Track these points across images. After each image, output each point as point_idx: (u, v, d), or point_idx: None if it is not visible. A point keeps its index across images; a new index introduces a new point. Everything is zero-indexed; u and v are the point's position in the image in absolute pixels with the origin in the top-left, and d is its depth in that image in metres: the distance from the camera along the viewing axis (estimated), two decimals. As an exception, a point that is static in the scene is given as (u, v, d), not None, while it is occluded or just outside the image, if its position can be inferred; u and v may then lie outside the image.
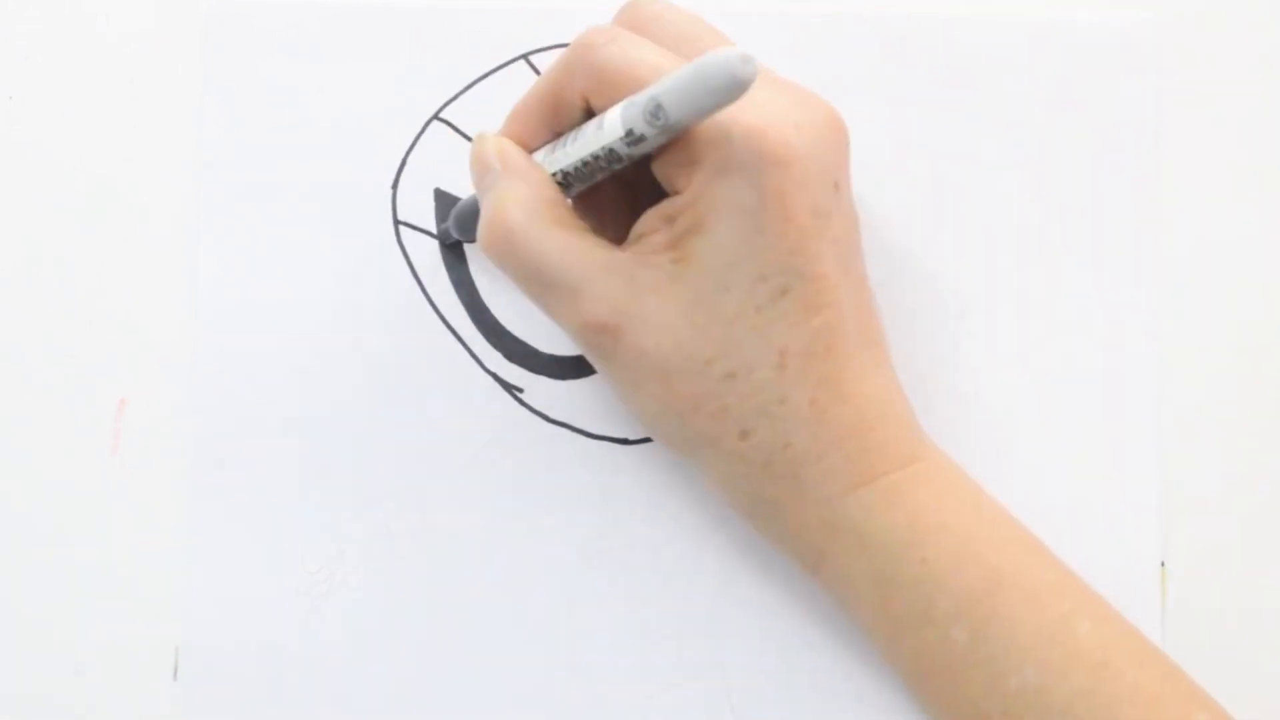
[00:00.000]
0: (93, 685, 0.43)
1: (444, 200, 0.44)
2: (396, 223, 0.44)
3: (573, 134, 0.37)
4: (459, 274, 0.44)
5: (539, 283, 0.37)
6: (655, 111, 0.34)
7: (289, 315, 0.44)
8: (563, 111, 0.38)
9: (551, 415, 0.44)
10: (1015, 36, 0.44)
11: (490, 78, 0.44)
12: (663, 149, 0.36)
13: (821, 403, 0.36)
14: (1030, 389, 0.43)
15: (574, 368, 0.44)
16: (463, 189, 0.44)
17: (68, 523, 0.43)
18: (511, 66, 0.44)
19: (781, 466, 0.37)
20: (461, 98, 0.44)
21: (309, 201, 0.44)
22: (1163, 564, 0.43)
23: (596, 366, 0.39)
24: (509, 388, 0.44)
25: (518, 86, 0.44)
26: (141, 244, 0.44)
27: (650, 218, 0.37)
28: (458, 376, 0.44)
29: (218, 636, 0.43)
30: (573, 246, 0.37)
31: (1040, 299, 0.44)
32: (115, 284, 0.44)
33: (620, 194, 0.40)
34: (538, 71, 0.44)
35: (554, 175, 0.38)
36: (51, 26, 0.45)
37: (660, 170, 0.37)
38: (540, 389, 0.44)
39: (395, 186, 0.44)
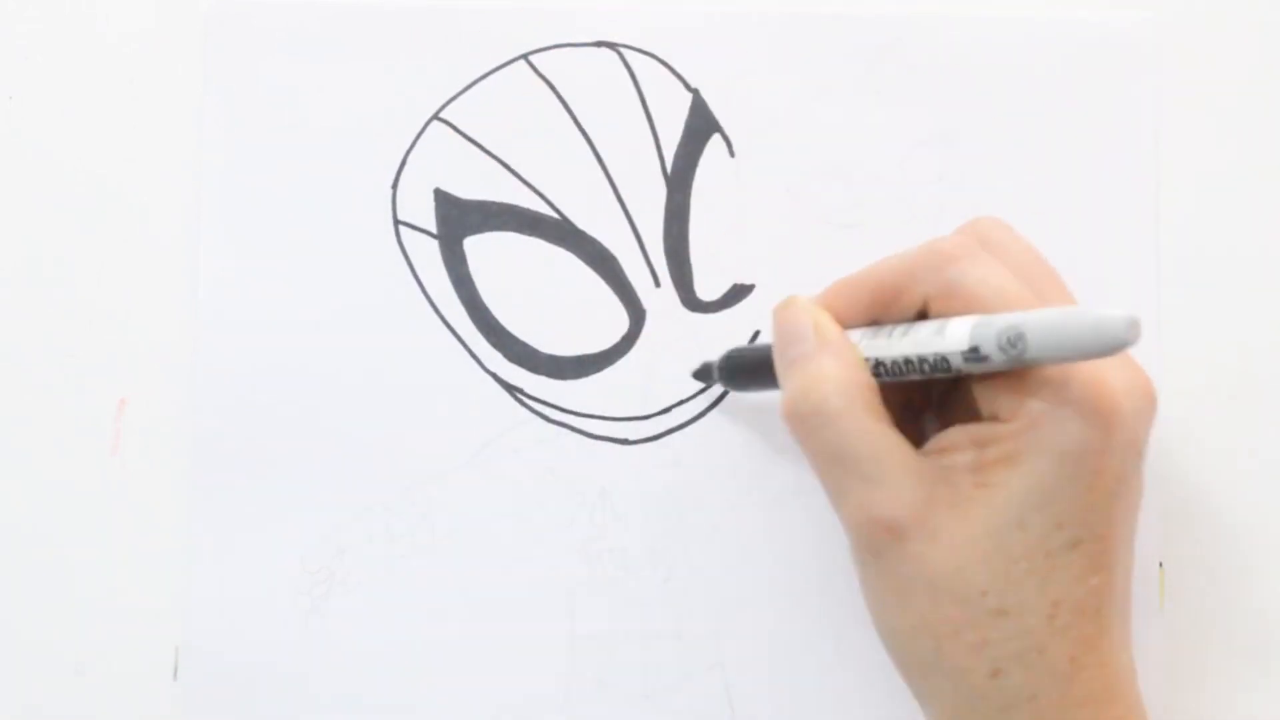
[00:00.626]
0: (93, 685, 0.43)
1: (444, 200, 0.44)
2: (396, 223, 0.44)
3: (902, 328, 0.37)
4: (459, 274, 0.44)
5: (839, 466, 0.37)
6: (1015, 341, 0.33)
7: (289, 315, 0.44)
8: (895, 306, 0.38)
9: (551, 415, 0.44)
10: (1015, 36, 0.44)
11: (490, 78, 0.44)
12: (995, 374, 0.36)
13: (1080, 662, 0.36)
14: (1030, 389, 0.44)
15: (574, 368, 0.44)
16: (463, 189, 0.44)
17: (68, 523, 0.43)
18: (511, 66, 0.44)
19: (1020, 716, 0.36)
20: (461, 98, 0.44)
21: (309, 201, 0.44)
22: (1161, 564, 0.43)
23: (860, 563, 0.38)
24: (509, 388, 0.44)
25: (518, 87, 0.44)
26: (141, 244, 0.44)
27: (958, 435, 0.36)
28: (458, 376, 0.44)
29: (218, 636, 0.43)
30: (882, 440, 0.36)
31: (1040, 299, 0.44)
32: (115, 284, 0.44)
33: (898, 394, 0.39)
34: (538, 71, 0.44)
35: (867, 360, 0.37)
36: (51, 27, 0.45)
37: (984, 392, 0.36)
38: (540, 389, 0.44)
39: (395, 186, 0.44)
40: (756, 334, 0.44)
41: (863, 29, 0.44)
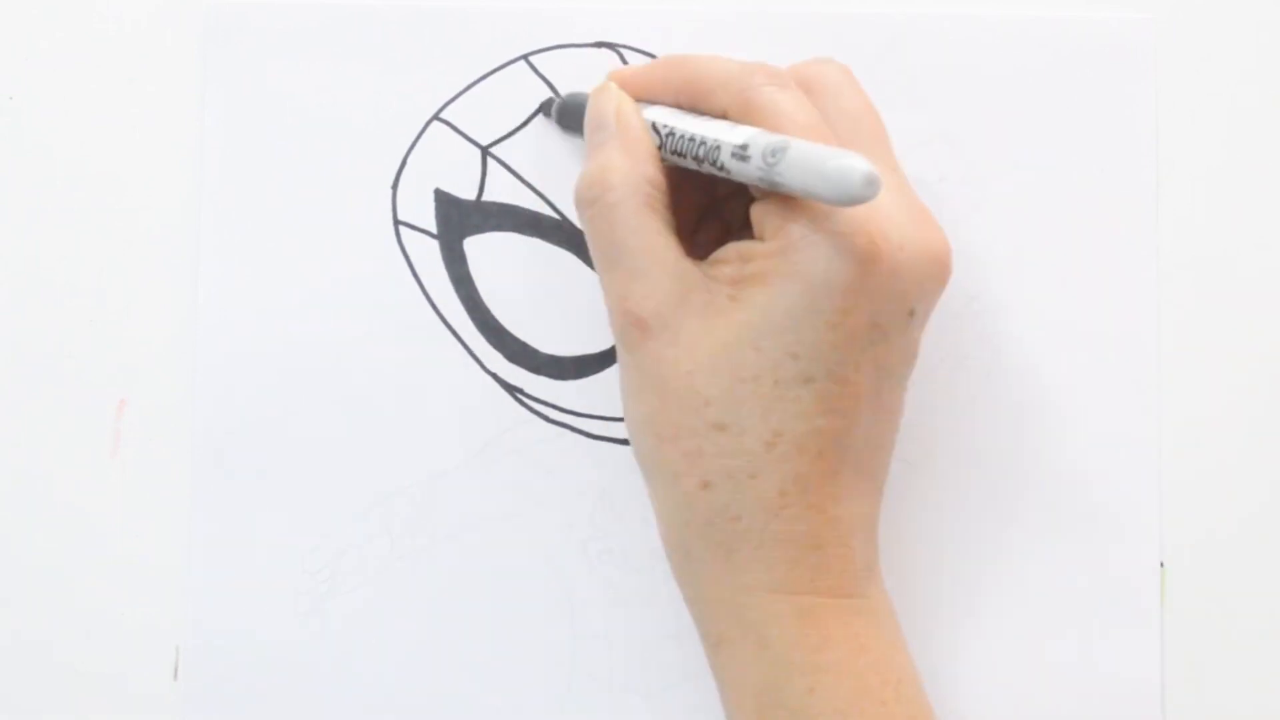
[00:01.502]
0: (93, 685, 0.43)
1: (444, 200, 0.44)
2: (396, 223, 0.44)
3: (701, 132, 0.37)
4: (459, 274, 0.44)
5: (606, 254, 0.38)
6: (775, 152, 0.34)
7: (289, 315, 0.44)
8: (701, 105, 0.38)
9: (551, 415, 0.44)
10: (1015, 36, 0.44)
11: (490, 78, 0.44)
12: (768, 194, 0.36)
13: (788, 498, 0.36)
14: (1030, 389, 0.44)
15: (574, 368, 0.44)
16: (463, 189, 0.44)
17: (68, 523, 0.43)
18: (511, 67, 0.44)
19: (721, 534, 0.36)
20: (461, 98, 0.44)
21: (309, 201, 0.44)
22: (1162, 564, 0.43)
23: (618, 352, 0.39)
24: (509, 388, 0.44)
25: (518, 87, 0.44)
26: (142, 244, 0.44)
27: (730, 250, 0.37)
28: (458, 376, 0.44)
29: (218, 636, 0.43)
30: (652, 237, 0.37)
31: (1039, 299, 0.44)
32: (115, 284, 0.44)
33: (702, 197, 0.40)
34: (538, 72, 0.44)
35: (660, 127, 0.38)
36: (51, 27, 0.45)
37: (757, 212, 0.37)
38: (540, 389, 0.44)
39: (395, 186, 0.44)
40: None
41: (863, 29, 0.44)
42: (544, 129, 0.44)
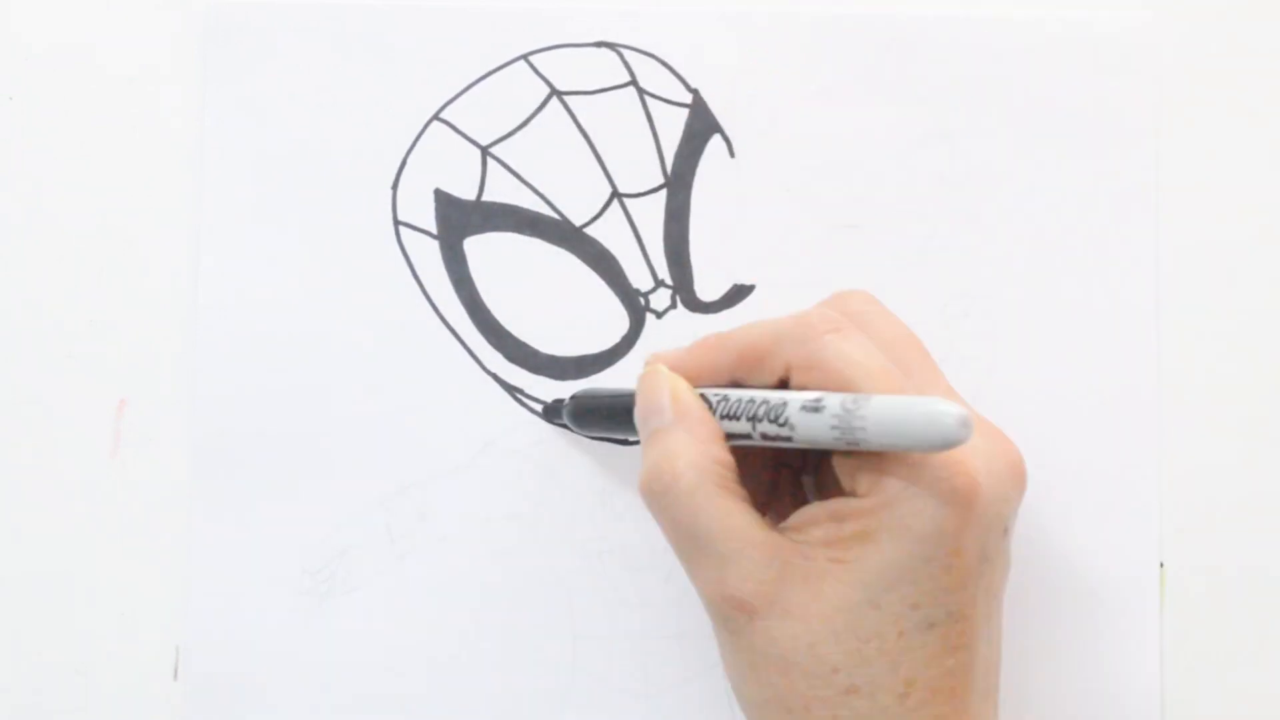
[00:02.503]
0: (93, 685, 0.43)
1: (444, 200, 0.44)
2: (396, 223, 0.44)
3: (762, 394, 0.36)
4: (459, 274, 0.44)
5: (690, 543, 0.36)
6: (855, 404, 0.33)
7: (289, 315, 0.44)
8: (758, 371, 0.37)
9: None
10: (1015, 36, 0.44)
11: (490, 78, 0.44)
12: (855, 452, 0.35)
13: None
14: (1030, 389, 0.44)
15: (574, 368, 0.44)
16: (463, 188, 0.44)
17: (68, 523, 0.43)
18: (511, 67, 0.44)
19: None
20: (461, 98, 0.44)
21: (309, 201, 0.44)
22: (1162, 564, 0.43)
23: (718, 636, 0.38)
24: (509, 388, 0.44)
25: (518, 87, 0.44)
26: (142, 244, 0.44)
27: (816, 510, 0.36)
28: (458, 376, 0.44)
29: (218, 636, 0.43)
30: (733, 518, 0.36)
31: (1040, 299, 0.44)
32: (115, 284, 0.44)
33: (767, 470, 0.39)
34: (538, 72, 0.44)
35: (711, 396, 0.37)
36: (51, 27, 0.45)
37: (842, 467, 0.36)
38: (540, 389, 0.44)
39: (395, 186, 0.44)
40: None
41: (863, 29, 0.44)
42: (544, 129, 0.44)
